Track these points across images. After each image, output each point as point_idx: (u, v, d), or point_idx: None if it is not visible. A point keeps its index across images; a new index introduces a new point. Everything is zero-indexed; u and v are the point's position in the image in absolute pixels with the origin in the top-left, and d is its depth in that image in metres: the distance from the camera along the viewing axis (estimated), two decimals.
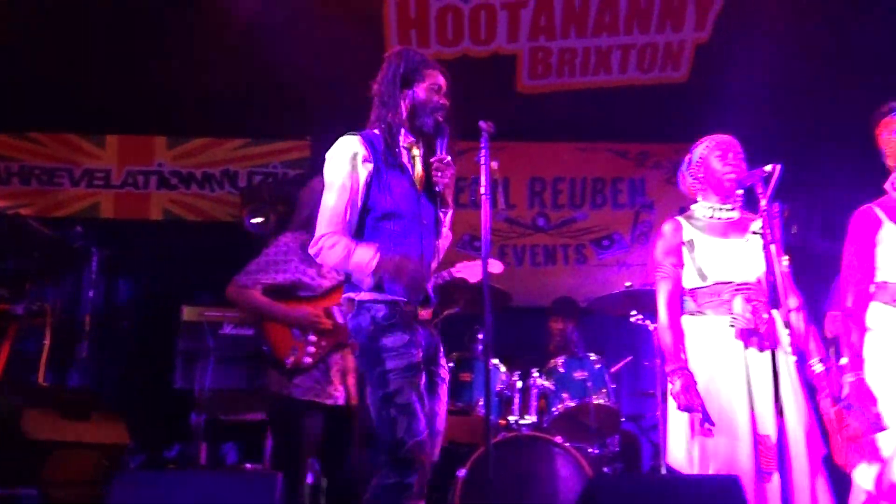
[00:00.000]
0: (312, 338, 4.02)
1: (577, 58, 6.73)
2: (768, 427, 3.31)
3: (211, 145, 7.34)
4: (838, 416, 3.33)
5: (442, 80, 3.29)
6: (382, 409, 2.98)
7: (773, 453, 3.27)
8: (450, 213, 3.26)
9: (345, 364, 4.08)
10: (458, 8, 6.44)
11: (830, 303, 5.16)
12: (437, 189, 3.17)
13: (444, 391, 3.22)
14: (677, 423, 3.46)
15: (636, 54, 6.71)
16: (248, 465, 5.52)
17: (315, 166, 6.98)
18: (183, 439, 5.69)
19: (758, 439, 3.31)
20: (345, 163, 3.16)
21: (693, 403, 3.33)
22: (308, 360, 3.99)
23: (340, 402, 4.02)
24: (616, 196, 7.48)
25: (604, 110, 7.06)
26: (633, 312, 5.29)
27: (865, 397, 3.26)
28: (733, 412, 3.34)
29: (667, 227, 3.67)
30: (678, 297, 3.60)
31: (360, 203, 3.13)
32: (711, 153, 3.63)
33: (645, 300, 5.08)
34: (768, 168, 3.21)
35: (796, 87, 6.47)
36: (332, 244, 3.08)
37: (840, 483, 3.49)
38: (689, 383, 3.36)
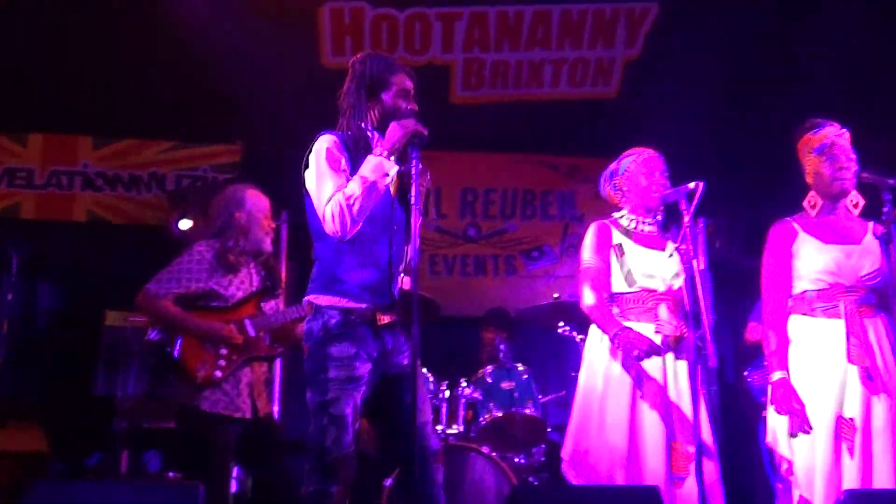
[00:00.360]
0: (224, 351, 3.95)
1: (510, 70, 6.80)
2: (685, 433, 3.40)
3: (138, 147, 7.20)
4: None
5: (409, 83, 3.24)
6: (317, 414, 2.98)
7: (688, 458, 3.36)
8: (420, 220, 3.18)
9: (253, 377, 4.03)
10: (394, 17, 6.46)
11: (753, 314, 5.31)
12: (411, 197, 3.07)
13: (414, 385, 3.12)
14: (578, 414, 3.56)
15: (568, 69, 6.81)
16: (171, 474, 5.42)
17: (246, 170, 6.94)
18: (104, 447, 5.56)
19: (671, 445, 3.39)
20: (330, 152, 3.12)
21: (643, 345, 3.37)
22: (219, 373, 3.91)
23: (248, 415, 3.95)
24: (546, 208, 7.57)
25: (536, 123, 7.14)
26: (561, 324, 5.36)
27: (789, 397, 3.34)
28: (651, 418, 3.42)
29: (596, 227, 3.73)
30: (602, 288, 3.64)
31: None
32: (639, 169, 3.71)
33: (573, 312, 5.13)
34: (692, 185, 3.30)
35: (722, 105, 6.63)
36: (331, 212, 3.00)
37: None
38: (637, 335, 3.41)
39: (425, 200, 3.14)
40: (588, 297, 3.61)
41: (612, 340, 3.48)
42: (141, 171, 7.15)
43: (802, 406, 3.34)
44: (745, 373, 5.34)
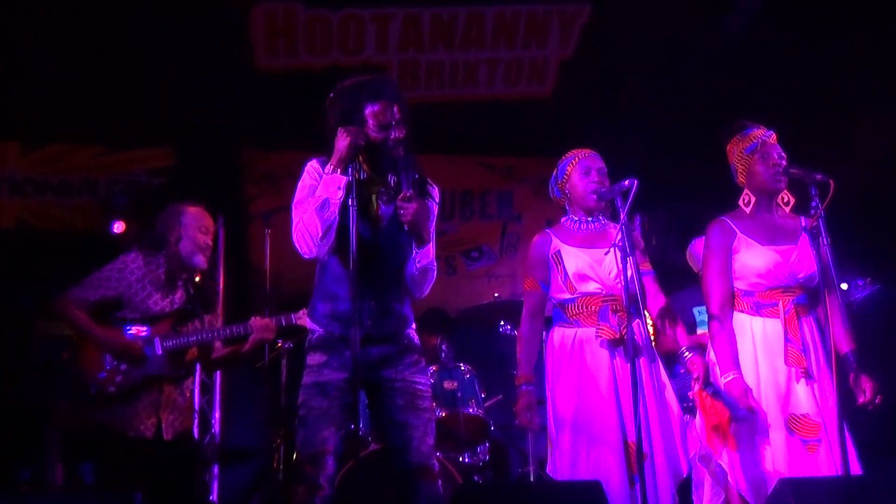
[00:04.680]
0: (123, 367, 3.91)
1: (445, 71, 6.81)
2: (635, 434, 3.43)
3: (69, 151, 7.04)
4: (704, 401, 3.47)
5: (385, 108, 3.12)
6: (296, 417, 3.10)
7: (641, 458, 3.40)
8: (426, 246, 3.16)
9: (161, 397, 3.97)
10: (327, 18, 6.41)
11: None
12: (404, 225, 3.08)
13: (407, 401, 3.13)
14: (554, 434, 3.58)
15: (503, 69, 6.85)
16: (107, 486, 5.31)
17: (180, 174, 6.84)
18: (37, 459, 5.42)
19: (627, 445, 3.43)
20: (304, 180, 3.14)
21: (531, 421, 3.55)
22: (112, 388, 3.87)
23: (147, 435, 3.89)
24: (484, 208, 7.60)
25: (472, 124, 7.18)
26: (502, 322, 5.39)
27: (747, 396, 3.37)
28: (603, 421, 3.46)
29: (535, 240, 3.77)
30: (541, 310, 3.73)
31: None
32: (575, 170, 3.75)
33: (513, 310, 5.17)
34: (626, 183, 3.34)
35: (655, 104, 6.75)
36: (295, 234, 3.06)
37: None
38: (531, 402, 3.57)
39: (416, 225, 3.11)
40: (523, 326, 3.73)
41: (515, 383, 3.63)
42: (72, 176, 7.00)
43: (758, 402, 3.38)
44: None
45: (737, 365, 3.44)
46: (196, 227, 4.11)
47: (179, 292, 4.10)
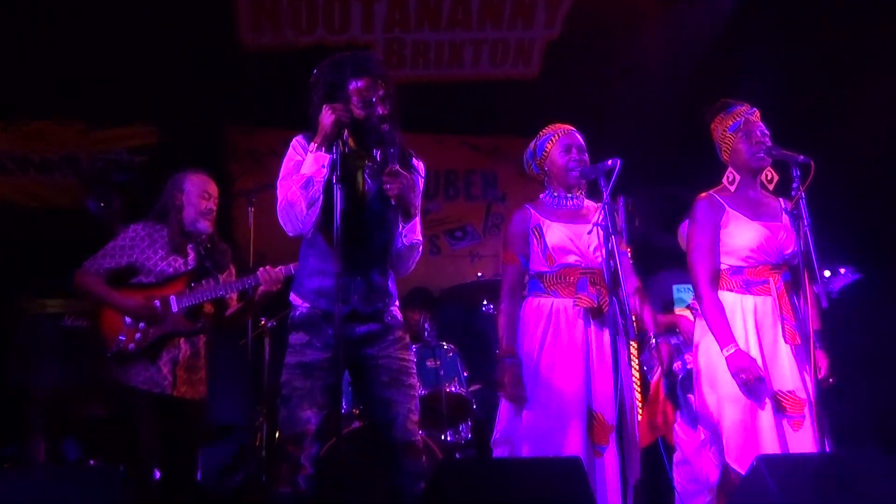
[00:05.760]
0: (142, 325, 3.99)
1: (430, 51, 6.81)
2: (605, 404, 3.47)
3: (50, 129, 6.99)
4: (658, 392, 3.50)
5: (369, 84, 3.11)
6: (278, 396, 3.12)
7: (608, 429, 3.44)
8: (412, 220, 3.18)
9: (178, 355, 4.04)
10: None
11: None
12: (391, 200, 3.08)
13: (392, 377, 3.14)
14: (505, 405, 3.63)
15: (488, 49, 6.84)
16: (92, 462, 5.32)
17: (163, 152, 6.80)
18: (19, 437, 5.42)
19: (592, 415, 3.47)
20: (290, 156, 3.16)
21: (519, 394, 3.53)
22: (132, 346, 3.95)
23: (168, 391, 3.96)
24: (469, 188, 7.61)
25: (458, 104, 7.17)
26: (485, 302, 5.41)
27: (753, 366, 3.37)
28: (569, 389, 3.50)
29: (516, 215, 3.79)
30: (521, 284, 3.74)
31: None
32: (555, 147, 3.76)
33: (496, 290, 5.17)
34: (609, 163, 3.35)
35: (640, 86, 6.75)
36: (280, 211, 3.07)
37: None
38: (517, 373, 3.56)
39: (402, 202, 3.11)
40: (503, 301, 3.73)
41: (497, 357, 3.64)
42: (53, 153, 6.95)
43: (762, 373, 3.39)
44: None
45: (733, 339, 3.42)
46: (198, 194, 4.17)
47: (192, 255, 4.18)
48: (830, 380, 3.51)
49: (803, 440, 3.36)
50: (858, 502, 2.82)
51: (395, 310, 3.27)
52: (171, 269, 4.09)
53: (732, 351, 3.40)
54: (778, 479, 2.76)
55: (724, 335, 3.44)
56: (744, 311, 3.50)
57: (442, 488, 2.79)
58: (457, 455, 5.26)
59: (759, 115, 3.66)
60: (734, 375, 3.38)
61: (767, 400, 3.39)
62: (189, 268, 4.13)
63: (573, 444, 3.43)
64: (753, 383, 3.35)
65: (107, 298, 4.02)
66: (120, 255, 4.07)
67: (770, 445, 3.33)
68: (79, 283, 4.07)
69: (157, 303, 4.02)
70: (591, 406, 3.49)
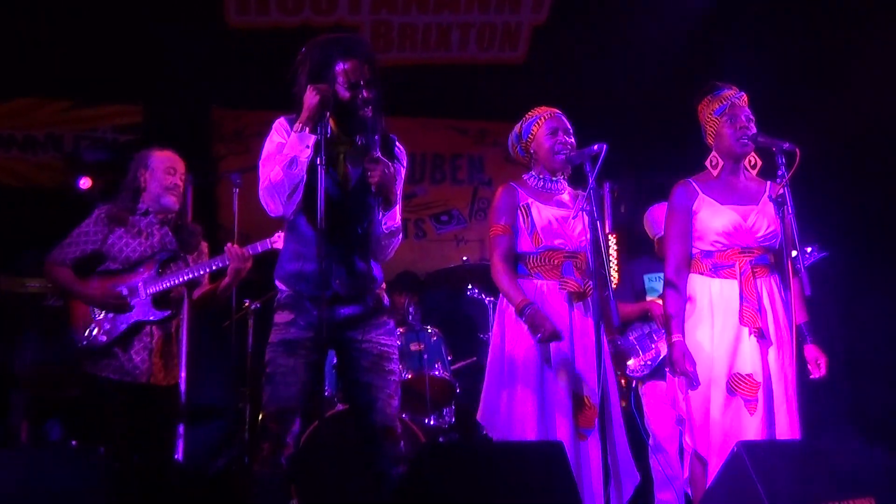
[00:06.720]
0: (110, 316, 3.93)
1: (417, 34, 6.77)
2: (590, 388, 3.50)
3: (34, 106, 6.92)
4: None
5: (356, 66, 3.09)
6: (262, 375, 3.11)
7: (592, 412, 3.46)
8: (392, 209, 3.17)
9: (149, 342, 3.96)
10: None
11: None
12: (371, 187, 3.06)
13: (372, 362, 3.15)
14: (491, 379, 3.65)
15: (475, 33, 6.82)
16: (74, 443, 5.30)
17: (148, 132, 6.76)
18: (1, 418, 5.40)
19: (576, 399, 3.50)
20: (272, 138, 3.14)
21: (552, 329, 3.48)
22: (103, 338, 3.89)
23: (141, 379, 3.90)
24: (455, 172, 7.60)
25: (445, 87, 7.15)
26: (470, 286, 5.41)
27: (684, 359, 3.46)
28: (555, 372, 3.53)
29: (503, 191, 3.79)
30: (512, 254, 3.72)
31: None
32: (541, 130, 3.77)
33: (481, 275, 5.19)
34: (595, 147, 3.36)
35: (627, 71, 6.75)
36: (262, 192, 3.05)
37: None
38: (542, 314, 3.52)
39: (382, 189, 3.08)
40: (498, 268, 3.68)
41: (517, 315, 3.57)
42: (36, 131, 6.89)
43: (695, 367, 3.46)
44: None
45: (681, 329, 3.51)
46: (163, 170, 4.07)
47: (157, 236, 4.07)
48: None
49: (755, 425, 3.39)
50: (836, 488, 2.85)
51: (381, 293, 3.27)
52: (136, 255, 3.99)
53: (674, 341, 3.50)
54: (757, 465, 2.78)
55: (674, 323, 3.53)
56: (711, 294, 3.55)
57: (423, 471, 2.79)
58: (440, 439, 5.27)
59: (746, 99, 3.66)
60: (674, 363, 3.48)
61: (722, 383, 3.44)
62: (155, 250, 4.03)
63: (560, 428, 3.45)
64: (691, 374, 3.44)
65: (72, 290, 3.95)
66: (84, 241, 3.98)
67: (722, 427, 3.39)
68: (46, 274, 4.02)
69: (125, 290, 3.94)
70: (577, 390, 3.51)
